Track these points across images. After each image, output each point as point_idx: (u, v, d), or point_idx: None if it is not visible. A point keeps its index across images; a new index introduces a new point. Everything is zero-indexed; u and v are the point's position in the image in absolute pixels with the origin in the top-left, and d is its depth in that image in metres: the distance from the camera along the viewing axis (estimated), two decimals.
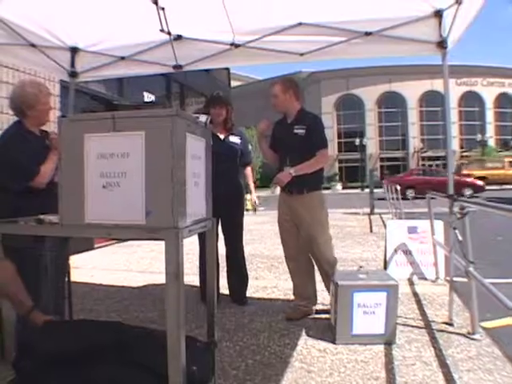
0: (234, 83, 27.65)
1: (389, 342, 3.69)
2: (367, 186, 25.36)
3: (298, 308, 4.42)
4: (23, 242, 2.82)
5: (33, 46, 4.26)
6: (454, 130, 52.66)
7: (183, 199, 1.85)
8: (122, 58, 4.75)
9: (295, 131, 4.20)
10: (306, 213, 4.26)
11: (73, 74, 4.84)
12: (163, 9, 3.44)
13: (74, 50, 4.65)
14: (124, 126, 1.86)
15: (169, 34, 3.90)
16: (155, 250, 8.12)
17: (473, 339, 3.75)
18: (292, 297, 4.61)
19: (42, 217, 2.25)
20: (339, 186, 46.23)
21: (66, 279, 3.63)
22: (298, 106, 4.33)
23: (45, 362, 2.07)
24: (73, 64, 4.77)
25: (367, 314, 3.71)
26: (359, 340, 3.70)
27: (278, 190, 4.77)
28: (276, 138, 4.48)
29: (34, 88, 3.31)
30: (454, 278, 4.36)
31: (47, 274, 3.22)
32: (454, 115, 52.01)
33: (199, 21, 4.05)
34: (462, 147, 55.70)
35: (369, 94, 57.34)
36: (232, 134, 4.84)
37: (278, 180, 4.21)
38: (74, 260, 4.03)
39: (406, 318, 4.31)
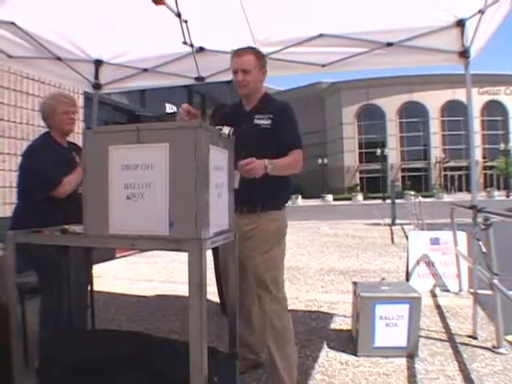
0: None
1: (411, 354, 3.64)
2: (389, 197, 25.16)
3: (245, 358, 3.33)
4: (47, 252, 2.86)
5: (59, 59, 4.34)
6: (477, 140, 52.08)
7: (206, 210, 1.87)
8: (145, 70, 4.81)
9: (256, 121, 3.07)
10: (256, 245, 3.02)
11: (96, 86, 4.91)
12: (186, 21, 3.48)
13: (98, 63, 4.73)
14: (148, 138, 1.89)
15: (191, 46, 3.93)
16: (176, 260, 8.16)
17: (498, 353, 3.68)
18: (314, 308, 4.58)
19: (66, 227, 2.28)
20: (360, 197, 46.03)
21: (89, 288, 3.67)
22: (263, 90, 3.23)
23: (68, 371, 2.09)
24: (97, 76, 4.84)
25: (389, 327, 3.67)
26: (381, 353, 3.66)
27: None
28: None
29: (52, 99, 3.40)
30: (478, 291, 4.29)
31: (70, 283, 3.26)
32: (476, 124, 51.47)
33: (221, 33, 4.08)
34: (484, 157, 55.09)
35: (390, 104, 57.16)
36: None
37: (251, 167, 2.69)
38: (96, 269, 4.07)
39: (428, 330, 4.25)
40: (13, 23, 3.70)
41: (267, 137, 3.00)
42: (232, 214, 2.35)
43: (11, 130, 6.49)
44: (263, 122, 3.05)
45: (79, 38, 4.24)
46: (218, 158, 2.07)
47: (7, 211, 5.55)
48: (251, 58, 3.01)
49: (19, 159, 3.39)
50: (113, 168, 1.93)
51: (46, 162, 3.18)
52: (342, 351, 3.78)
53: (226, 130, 2.29)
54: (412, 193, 17.97)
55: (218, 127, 2.30)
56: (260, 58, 3.07)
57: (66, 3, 3.47)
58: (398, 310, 3.66)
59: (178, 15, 3.22)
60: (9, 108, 6.46)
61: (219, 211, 2.09)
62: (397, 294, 3.75)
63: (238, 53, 3.02)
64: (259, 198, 2.98)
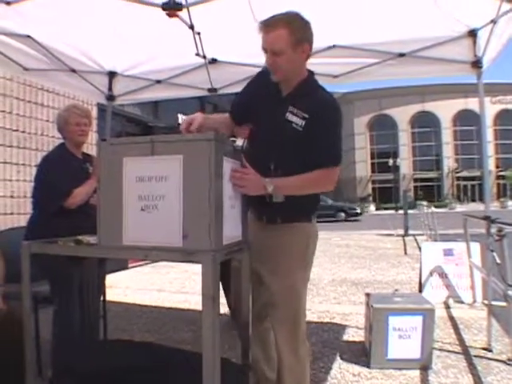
0: None
1: (425, 367, 3.60)
2: (401, 207, 25.02)
3: None
4: (60, 262, 2.88)
5: (73, 71, 4.40)
6: (490, 149, 51.72)
7: (220, 222, 1.87)
8: (158, 82, 4.85)
9: (288, 116, 2.31)
10: (273, 265, 2.42)
11: (110, 98, 4.97)
12: (199, 33, 3.51)
13: (112, 74, 4.78)
14: (162, 150, 1.89)
15: (204, 57, 3.97)
16: (189, 271, 8.16)
17: None
18: (326, 319, 4.55)
19: (80, 237, 2.30)
20: (372, 207, 45.83)
21: (101, 298, 3.69)
22: (305, 72, 2.43)
23: (81, 381, 2.10)
24: (110, 87, 4.90)
25: (403, 338, 3.64)
26: (394, 365, 3.62)
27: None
28: (255, 114, 2.46)
29: (66, 111, 3.45)
30: (493, 302, 4.24)
31: (83, 293, 3.28)
32: (489, 134, 51.14)
33: (234, 44, 4.10)
34: (497, 166, 54.63)
35: (402, 114, 57.02)
36: None
37: (244, 179, 2.14)
38: (108, 279, 4.09)
39: (442, 342, 4.21)
40: (29, 36, 3.76)
41: (296, 142, 2.29)
42: (246, 225, 2.30)
43: (26, 141, 6.57)
44: (295, 119, 2.30)
45: (93, 50, 4.30)
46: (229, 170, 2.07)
47: (22, 221, 5.59)
48: (282, 34, 2.20)
49: (34, 170, 3.44)
50: (127, 180, 1.94)
51: (57, 173, 3.21)
52: (355, 363, 3.75)
53: (240, 142, 2.28)
54: (424, 203, 17.87)
55: (231, 139, 2.28)
56: (295, 31, 2.23)
57: (81, 16, 3.52)
58: (412, 321, 3.63)
59: (191, 27, 3.25)
60: (24, 119, 6.55)
61: (232, 223, 2.08)
62: (410, 306, 3.72)
63: (265, 26, 2.26)
64: (280, 205, 2.29)
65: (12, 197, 6.32)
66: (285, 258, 2.39)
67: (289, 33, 2.20)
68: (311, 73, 2.47)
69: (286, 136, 2.29)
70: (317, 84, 2.45)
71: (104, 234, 2.00)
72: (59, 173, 3.21)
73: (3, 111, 6.23)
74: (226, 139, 2.11)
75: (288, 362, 2.40)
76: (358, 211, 28.83)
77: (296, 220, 2.41)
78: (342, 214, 24.89)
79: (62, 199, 3.15)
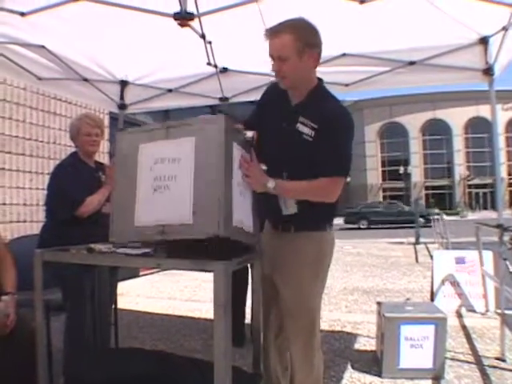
0: None
1: (437, 377, 3.57)
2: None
3: None
4: (72, 270, 2.89)
5: (85, 80, 4.44)
6: (502, 157, 51.25)
7: (229, 201, 1.94)
8: (170, 91, 4.88)
9: (299, 126, 2.29)
10: (285, 276, 2.41)
11: (122, 106, 5.00)
12: (210, 42, 3.53)
13: (124, 83, 4.82)
14: (176, 134, 2.00)
15: (215, 66, 3.99)
16: (199, 279, 8.16)
17: None
18: (337, 328, 4.53)
19: (92, 245, 2.32)
20: None
21: (113, 306, 3.70)
22: (314, 80, 2.40)
23: None
24: (122, 96, 4.94)
25: (414, 348, 3.61)
26: (406, 374, 3.59)
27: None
28: (264, 122, 2.45)
29: (78, 120, 3.49)
30: (506, 311, 4.20)
31: (95, 301, 3.29)
32: (501, 141, 50.80)
33: (245, 53, 4.12)
34: (509, 174, 54.15)
35: (412, 122, 56.77)
36: None
37: (250, 173, 2.18)
38: (120, 287, 4.10)
39: (454, 352, 4.17)
40: (43, 46, 3.81)
41: (307, 152, 2.26)
42: (257, 222, 2.29)
43: (39, 150, 6.64)
44: (306, 129, 2.27)
45: (105, 59, 4.34)
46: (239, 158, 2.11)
47: (34, 229, 5.64)
48: (287, 40, 2.18)
49: (47, 178, 3.46)
50: (142, 164, 2.03)
51: (69, 181, 3.23)
52: (367, 372, 3.72)
53: (250, 133, 2.26)
54: (436, 211, 17.74)
55: (242, 129, 2.27)
56: (301, 37, 2.20)
57: (93, 26, 3.56)
58: (424, 330, 3.60)
59: (203, 37, 3.27)
60: (37, 128, 6.62)
61: (240, 209, 2.07)
62: (422, 315, 3.70)
63: (271, 32, 2.24)
64: (294, 214, 2.32)
65: (25, 205, 6.38)
66: (297, 267, 2.35)
67: (294, 38, 2.17)
68: (321, 80, 2.44)
69: (298, 147, 2.28)
70: (327, 92, 2.42)
71: (117, 219, 2.06)
72: (71, 181, 3.23)
73: (17, 120, 6.30)
74: (237, 126, 2.17)
75: (302, 372, 2.37)
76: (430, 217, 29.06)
77: (310, 229, 2.36)
78: (421, 220, 24.80)
79: (75, 208, 3.16)
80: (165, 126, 2.00)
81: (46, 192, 3.39)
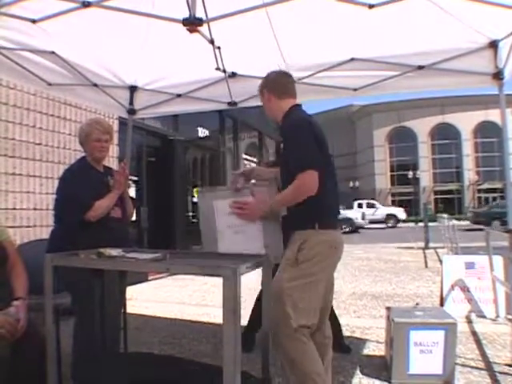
0: None
1: (447, 382, 3.54)
2: (421, 220, 24.68)
3: None
4: (81, 275, 2.90)
5: (95, 85, 4.47)
6: None
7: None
8: (179, 96, 4.90)
9: (282, 147, 2.91)
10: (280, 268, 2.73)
11: (131, 112, 5.02)
12: (219, 48, 3.54)
13: (133, 89, 4.84)
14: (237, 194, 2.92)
15: (224, 71, 4.00)
16: (208, 283, 8.17)
17: None
18: (346, 333, 4.49)
19: (101, 250, 2.32)
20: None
21: (122, 311, 3.70)
22: (283, 107, 2.93)
23: None
24: (131, 102, 4.95)
25: (424, 353, 3.58)
26: (416, 380, 3.57)
27: None
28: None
29: (88, 125, 3.49)
30: None
31: (104, 305, 3.30)
32: (511, 146, 50.40)
33: (253, 58, 4.14)
34: None
35: (421, 126, 56.61)
36: None
37: (245, 213, 2.83)
38: (129, 291, 4.10)
39: (465, 358, 4.14)
40: (53, 52, 3.84)
41: (285, 165, 2.76)
42: (272, 243, 2.80)
43: (49, 154, 6.69)
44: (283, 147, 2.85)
45: (115, 65, 4.37)
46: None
47: (44, 233, 5.67)
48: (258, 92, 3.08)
49: (56, 182, 3.48)
50: (218, 215, 2.88)
51: (78, 185, 3.24)
52: (376, 378, 3.71)
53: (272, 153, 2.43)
54: (445, 215, 17.63)
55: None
56: (262, 83, 3.04)
57: (103, 32, 3.59)
58: (433, 336, 3.58)
59: (211, 42, 3.28)
60: (47, 133, 6.68)
61: (239, 242, 2.82)
62: (432, 320, 3.67)
63: None
64: (285, 216, 2.79)
65: (35, 209, 6.42)
66: (284, 266, 2.66)
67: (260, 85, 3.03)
68: (296, 105, 2.95)
69: (282, 164, 2.85)
70: (290, 114, 2.88)
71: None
72: (80, 185, 3.25)
73: (27, 125, 6.35)
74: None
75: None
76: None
77: (297, 227, 2.70)
78: (497, 223, 23.43)
79: (83, 212, 3.17)
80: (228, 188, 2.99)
81: (55, 196, 3.41)
